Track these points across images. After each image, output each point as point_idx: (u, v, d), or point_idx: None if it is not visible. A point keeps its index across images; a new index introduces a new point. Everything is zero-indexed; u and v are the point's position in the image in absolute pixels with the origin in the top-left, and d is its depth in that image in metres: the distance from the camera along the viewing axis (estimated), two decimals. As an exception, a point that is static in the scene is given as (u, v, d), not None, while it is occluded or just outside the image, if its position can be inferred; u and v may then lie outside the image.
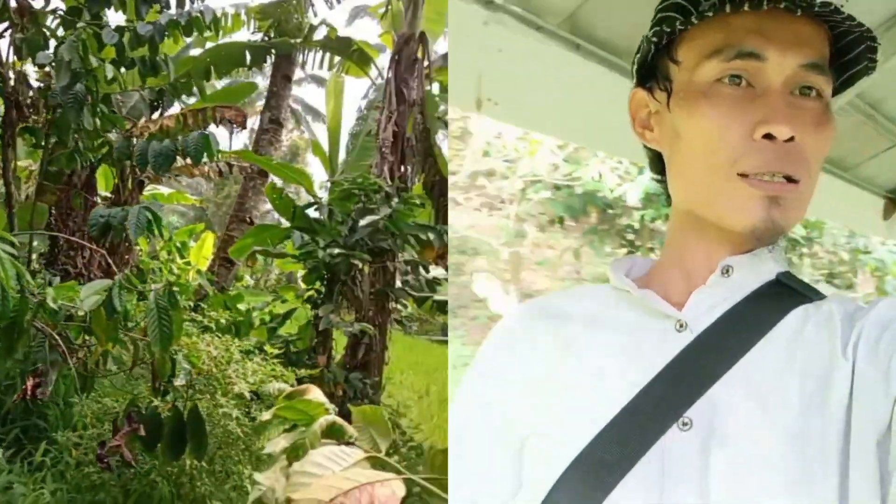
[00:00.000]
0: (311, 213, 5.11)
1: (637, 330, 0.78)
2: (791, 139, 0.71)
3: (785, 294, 0.76)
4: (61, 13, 3.64)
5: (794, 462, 0.66)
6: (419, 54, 5.65)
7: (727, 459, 0.68)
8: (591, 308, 0.82)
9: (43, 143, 3.75)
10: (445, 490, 1.01)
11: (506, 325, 0.88)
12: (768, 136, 0.71)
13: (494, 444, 0.81)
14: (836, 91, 0.78)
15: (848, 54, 0.76)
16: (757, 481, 0.66)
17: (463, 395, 0.86)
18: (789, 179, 0.72)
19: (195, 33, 3.65)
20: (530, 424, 0.79)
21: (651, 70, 0.81)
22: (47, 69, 3.72)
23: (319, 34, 7.48)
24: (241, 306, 5.01)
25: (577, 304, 0.84)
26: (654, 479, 0.69)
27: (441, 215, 5.57)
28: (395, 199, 4.93)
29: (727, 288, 0.76)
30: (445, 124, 5.86)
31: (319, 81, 14.67)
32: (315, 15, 7.64)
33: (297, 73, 9.37)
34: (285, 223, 5.49)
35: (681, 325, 0.75)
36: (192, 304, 4.25)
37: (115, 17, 3.79)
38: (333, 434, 1.26)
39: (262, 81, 9.26)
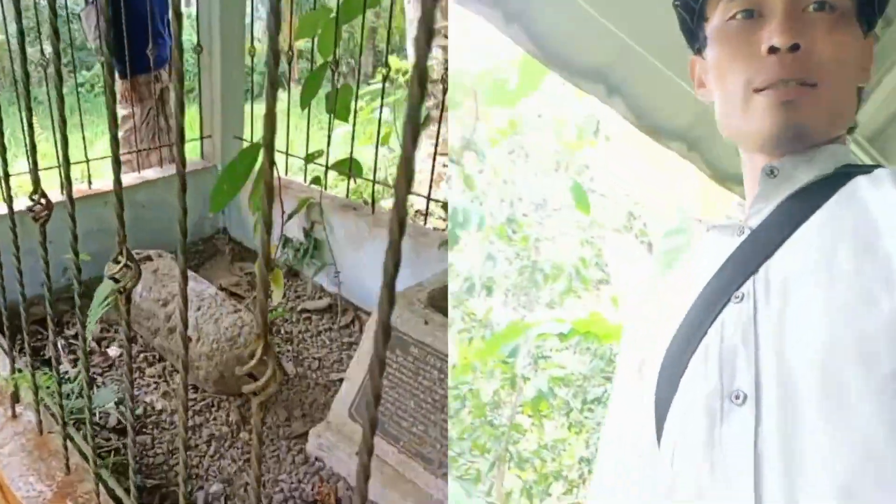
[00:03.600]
0: None
1: (715, 250, 0.84)
2: (796, 47, 0.77)
3: (843, 176, 0.78)
4: None
5: (842, 316, 0.66)
6: None
7: (774, 314, 0.71)
8: (692, 263, 0.91)
9: None
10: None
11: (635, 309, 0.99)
12: (774, 50, 0.77)
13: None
14: (881, 6, 0.82)
15: None
16: (804, 332, 0.68)
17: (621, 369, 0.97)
18: (805, 84, 0.77)
19: None
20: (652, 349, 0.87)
21: (696, 35, 0.90)
22: None
23: None
24: None
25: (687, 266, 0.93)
26: (714, 349, 0.74)
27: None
28: None
29: (778, 186, 0.81)
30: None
31: None
32: None
33: None
34: None
35: (741, 230, 0.82)
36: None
37: None
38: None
39: None
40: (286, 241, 3.64)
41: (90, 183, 3.18)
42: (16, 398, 1.73)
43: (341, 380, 3.00)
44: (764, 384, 0.68)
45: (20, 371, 1.78)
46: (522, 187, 5.43)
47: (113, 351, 2.87)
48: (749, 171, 0.87)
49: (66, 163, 1.27)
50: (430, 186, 3.26)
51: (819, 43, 0.77)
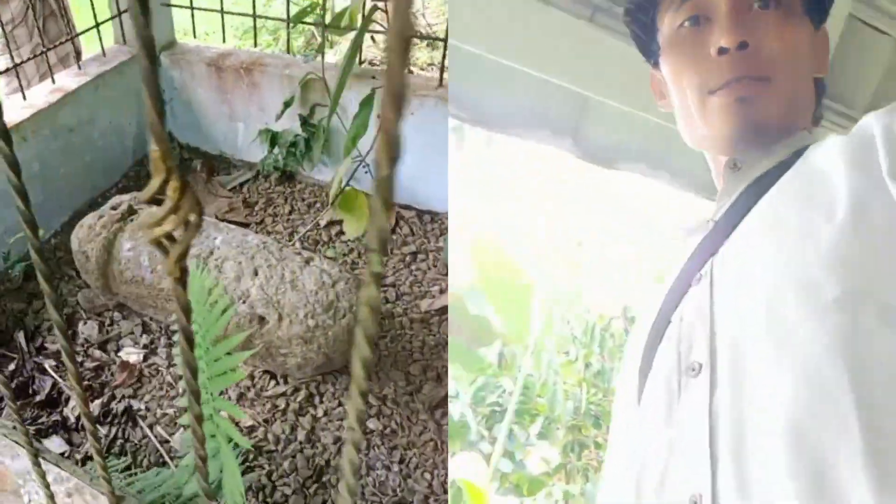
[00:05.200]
0: None
1: (688, 251, 0.81)
2: (744, 45, 0.77)
3: (798, 156, 0.76)
4: None
5: (786, 257, 0.64)
6: None
7: (729, 283, 0.69)
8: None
9: None
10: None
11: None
12: (723, 51, 0.77)
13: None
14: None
15: None
16: (753, 286, 0.66)
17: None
18: (758, 80, 0.77)
19: None
20: None
21: (650, 48, 0.90)
22: None
23: None
24: None
25: None
26: (675, 330, 0.73)
27: None
28: None
29: (741, 179, 0.80)
30: None
31: None
32: None
33: None
34: None
35: (708, 226, 0.80)
36: None
37: None
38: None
39: None
40: (273, 136, 2.71)
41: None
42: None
43: (440, 310, 2.31)
44: (719, 350, 0.66)
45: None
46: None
47: (131, 355, 1.98)
48: (716, 172, 0.86)
49: None
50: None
51: (767, 39, 0.77)
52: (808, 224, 0.64)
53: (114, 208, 2.04)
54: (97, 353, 1.97)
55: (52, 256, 2.29)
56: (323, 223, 2.62)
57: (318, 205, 2.72)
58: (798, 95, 0.80)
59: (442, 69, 2.49)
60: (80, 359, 1.94)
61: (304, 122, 2.62)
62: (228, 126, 2.76)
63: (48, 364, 1.92)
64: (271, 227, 2.57)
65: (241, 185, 2.75)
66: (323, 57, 2.49)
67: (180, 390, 1.91)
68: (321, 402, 1.90)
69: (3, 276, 2.17)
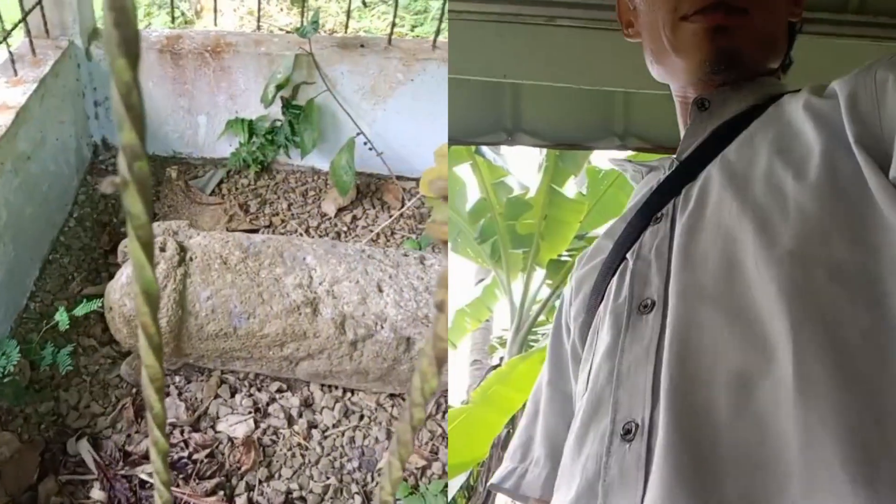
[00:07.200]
0: None
1: (646, 190, 0.82)
2: None
3: (771, 102, 0.75)
4: None
5: (749, 207, 0.65)
6: None
7: (688, 223, 0.69)
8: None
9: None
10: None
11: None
12: None
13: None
14: None
15: None
16: (713, 232, 0.67)
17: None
18: (734, 10, 0.75)
19: None
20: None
21: None
22: None
23: None
24: None
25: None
26: (629, 267, 0.73)
27: None
28: None
29: (709, 119, 0.78)
30: None
31: None
32: None
33: None
34: None
35: (672, 165, 0.80)
36: None
37: None
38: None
39: None
40: (250, 125, 2.30)
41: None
42: None
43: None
44: (672, 290, 0.66)
45: None
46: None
47: (237, 426, 1.62)
48: (682, 110, 0.85)
49: None
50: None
51: None
52: (778, 178, 0.65)
53: (162, 249, 1.63)
54: (196, 436, 1.59)
55: (40, 328, 1.78)
56: (332, 212, 2.32)
57: (311, 193, 2.39)
58: (772, 34, 0.79)
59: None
60: (184, 451, 1.56)
61: (287, 104, 2.25)
62: (186, 121, 2.29)
63: (145, 473, 1.52)
64: (282, 229, 2.22)
65: (218, 186, 2.33)
66: (303, 28, 2.14)
67: (317, 448, 1.62)
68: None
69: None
